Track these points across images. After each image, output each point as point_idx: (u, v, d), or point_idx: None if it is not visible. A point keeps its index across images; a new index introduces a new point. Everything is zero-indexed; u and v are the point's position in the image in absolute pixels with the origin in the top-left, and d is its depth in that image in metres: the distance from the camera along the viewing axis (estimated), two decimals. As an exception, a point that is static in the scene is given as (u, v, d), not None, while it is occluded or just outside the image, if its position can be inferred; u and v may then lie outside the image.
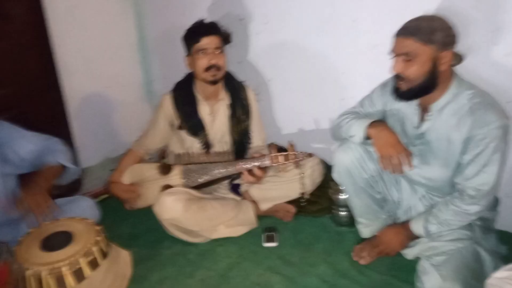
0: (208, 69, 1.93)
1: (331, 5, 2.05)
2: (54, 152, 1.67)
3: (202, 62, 1.92)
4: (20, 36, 2.33)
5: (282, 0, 2.21)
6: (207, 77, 1.95)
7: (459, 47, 1.45)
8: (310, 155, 1.87)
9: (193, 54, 1.95)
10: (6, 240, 1.51)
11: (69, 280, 1.32)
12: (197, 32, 1.93)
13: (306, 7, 2.13)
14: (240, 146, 2.13)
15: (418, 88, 1.45)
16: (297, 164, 1.87)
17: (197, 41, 1.91)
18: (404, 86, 1.47)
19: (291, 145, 1.86)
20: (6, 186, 1.65)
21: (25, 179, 1.71)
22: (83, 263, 1.35)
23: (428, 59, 1.40)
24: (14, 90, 2.34)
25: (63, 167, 1.68)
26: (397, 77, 1.48)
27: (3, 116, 1.82)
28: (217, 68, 1.94)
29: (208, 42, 1.91)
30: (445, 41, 1.39)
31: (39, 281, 1.30)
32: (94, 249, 1.39)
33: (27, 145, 1.65)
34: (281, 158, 1.84)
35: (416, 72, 1.42)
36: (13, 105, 2.31)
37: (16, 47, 2.33)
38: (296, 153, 1.83)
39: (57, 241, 1.41)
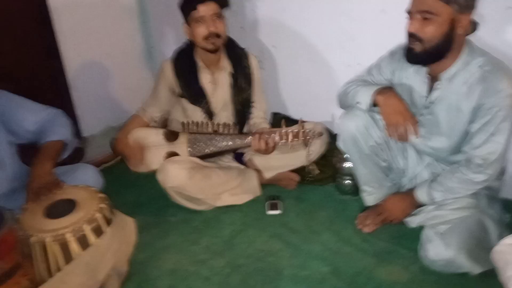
0: (207, 37, 1.88)
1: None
2: (56, 126, 1.65)
3: (201, 30, 1.87)
4: (17, 5, 2.26)
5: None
6: (207, 45, 1.90)
7: (474, 16, 1.40)
8: (320, 134, 1.85)
9: (191, 22, 1.89)
10: (11, 208, 1.51)
11: (74, 246, 1.32)
12: (193, 0, 1.86)
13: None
14: (242, 116, 2.11)
15: (432, 51, 1.40)
16: (306, 143, 1.84)
17: (194, 9, 1.84)
18: (418, 47, 1.42)
19: (302, 124, 1.83)
20: (13, 155, 1.66)
21: (28, 153, 1.72)
22: (87, 230, 1.35)
23: (447, 20, 1.35)
24: (12, 59, 2.30)
25: (64, 142, 1.67)
26: (412, 37, 1.42)
27: (3, 85, 1.80)
28: (217, 35, 1.88)
29: (205, 9, 1.84)
30: (465, 3, 1.34)
31: (44, 248, 1.30)
32: (98, 216, 1.39)
33: (30, 116, 1.64)
34: (291, 135, 1.81)
35: (433, 32, 1.37)
36: (12, 74, 2.28)
37: (12, 15, 2.26)
38: (307, 131, 1.80)
39: (61, 208, 1.40)
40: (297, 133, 1.82)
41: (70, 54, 2.48)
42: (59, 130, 1.64)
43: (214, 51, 1.93)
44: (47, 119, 1.66)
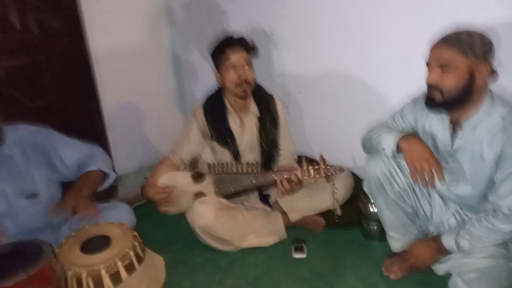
0: (238, 84, 1.98)
1: (360, 20, 2.07)
2: (96, 159, 1.76)
3: (232, 77, 1.98)
4: (62, 50, 2.47)
5: (311, 16, 2.25)
6: (238, 92, 2.00)
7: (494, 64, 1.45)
8: (341, 170, 1.87)
9: (223, 70, 2.00)
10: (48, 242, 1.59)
11: (107, 282, 1.38)
12: (225, 48, 1.98)
13: (335, 22, 2.16)
14: (269, 157, 2.18)
15: (453, 101, 1.44)
16: (328, 178, 1.88)
17: (226, 57, 1.96)
18: (439, 97, 1.46)
19: (323, 159, 1.88)
20: (51, 192, 1.74)
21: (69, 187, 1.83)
22: (121, 266, 1.40)
23: (466, 71, 1.39)
24: (56, 100, 2.48)
25: (103, 174, 1.76)
26: (432, 88, 1.47)
27: (46, 124, 1.94)
28: (247, 83, 1.99)
29: (236, 58, 1.96)
30: (483, 54, 1.39)
31: (80, 282, 1.36)
32: (131, 253, 1.45)
33: (73, 153, 1.75)
34: (312, 172, 1.85)
35: (453, 83, 1.41)
36: (55, 114, 2.45)
37: (58, 60, 2.46)
38: (328, 167, 1.84)
39: (96, 244, 1.47)
40: (319, 168, 1.85)
41: (107, 96, 2.64)
42: (98, 162, 1.75)
43: (244, 98, 2.03)
44: (87, 154, 1.76)
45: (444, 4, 1.77)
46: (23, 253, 1.34)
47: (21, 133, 1.69)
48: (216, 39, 2.06)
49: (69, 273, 1.36)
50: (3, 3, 2.24)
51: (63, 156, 1.74)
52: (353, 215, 2.13)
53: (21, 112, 2.29)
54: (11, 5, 2.27)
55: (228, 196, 2.03)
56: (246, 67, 1.99)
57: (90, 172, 1.73)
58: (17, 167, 1.65)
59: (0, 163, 1.60)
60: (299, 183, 1.88)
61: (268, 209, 2.16)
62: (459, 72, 1.40)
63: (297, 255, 1.96)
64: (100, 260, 1.40)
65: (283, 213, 2.12)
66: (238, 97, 2.02)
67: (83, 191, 1.65)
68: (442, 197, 1.71)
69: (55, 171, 1.76)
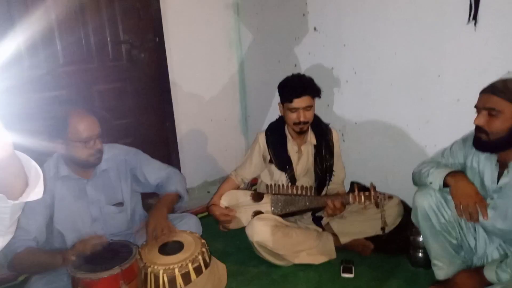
0: (296, 124, 2.19)
1: (416, 62, 2.21)
2: (174, 181, 2.03)
3: (292, 117, 2.18)
4: (145, 77, 2.83)
5: (370, 55, 2.42)
6: (295, 128, 2.22)
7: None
8: (390, 197, 2.02)
9: (285, 107, 2.21)
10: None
11: (179, 280, 1.62)
12: (291, 93, 2.16)
13: (392, 61, 2.32)
14: (322, 182, 2.35)
15: (498, 142, 1.57)
16: (377, 205, 2.04)
17: (290, 101, 2.16)
18: (485, 138, 1.59)
19: (373, 186, 2.04)
20: (133, 201, 2.04)
21: (147, 198, 2.10)
22: (191, 268, 1.64)
23: (511, 116, 1.52)
24: (137, 120, 2.83)
25: (179, 194, 2.03)
26: (479, 129, 1.61)
27: (127, 139, 2.24)
28: (304, 122, 2.19)
29: (299, 102, 2.15)
30: None
31: (157, 278, 1.61)
32: (200, 258, 1.68)
33: (155, 173, 2.03)
34: (363, 197, 2.02)
35: (498, 127, 1.54)
36: (135, 131, 2.79)
37: (141, 85, 2.82)
38: (377, 194, 2.00)
39: (171, 247, 1.73)
40: (369, 195, 2.02)
41: (181, 118, 2.97)
42: (175, 185, 2.01)
43: (300, 134, 2.24)
44: (167, 176, 2.04)
45: (495, 54, 1.89)
46: (116, 251, 1.62)
47: (115, 151, 1.98)
48: (284, 78, 2.27)
49: (149, 270, 1.62)
50: (103, 37, 2.64)
51: (147, 174, 2.01)
52: (401, 242, 2.23)
53: (107, 129, 2.66)
54: (107, 39, 2.67)
55: (283, 215, 2.23)
56: (306, 110, 2.17)
57: (169, 194, 1.99)
58: (110, 180, 1.94)
59: (97, 176, 1.90)
60: (343, 206, 2.09)
61: (320, 230, 2.33)
62: (504, 117, 1.53)
63: (345, 275, 2.10)
64: (174, 261, 1.65)
65: (334, 235, 2.27)
66: (295, 132, 2.24)
67: (163, 212, 1.88)
68: (486, 231, 1.79)
69: (138, 185, 2.05)
